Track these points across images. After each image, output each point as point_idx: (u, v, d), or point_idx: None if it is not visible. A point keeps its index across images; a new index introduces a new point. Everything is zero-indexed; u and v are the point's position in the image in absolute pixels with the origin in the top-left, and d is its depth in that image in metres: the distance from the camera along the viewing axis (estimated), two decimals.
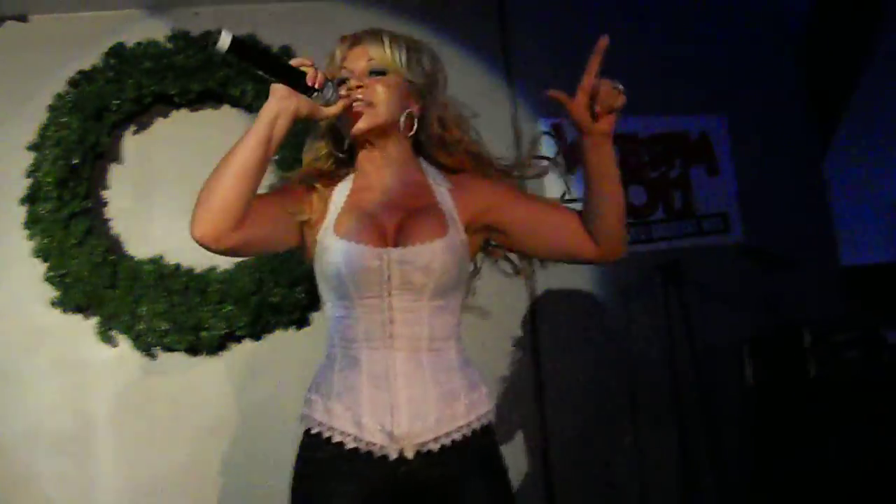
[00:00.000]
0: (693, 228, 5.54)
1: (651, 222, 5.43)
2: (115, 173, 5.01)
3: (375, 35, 2.61)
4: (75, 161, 4.80)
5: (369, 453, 2.38)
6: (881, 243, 6.73)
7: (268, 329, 4.88)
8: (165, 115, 5.09)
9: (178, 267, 4.84)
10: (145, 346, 4.79)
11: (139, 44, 4.98)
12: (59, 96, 4.87)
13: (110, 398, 4.78)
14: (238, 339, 4.84)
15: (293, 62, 2.34)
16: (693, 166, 5.65)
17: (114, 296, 4.74)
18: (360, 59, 2.56)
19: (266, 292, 4.77)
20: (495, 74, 5.42)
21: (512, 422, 5.00)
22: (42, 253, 4.75)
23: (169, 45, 4.99)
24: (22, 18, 5.02)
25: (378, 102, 2.51)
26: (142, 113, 5.05)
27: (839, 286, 5.80)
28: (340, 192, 2.58)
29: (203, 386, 4.84)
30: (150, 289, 4.76)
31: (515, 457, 4.91)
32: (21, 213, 4.78)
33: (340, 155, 2.67)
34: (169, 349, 4.81)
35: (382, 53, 2.56)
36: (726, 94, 5.75)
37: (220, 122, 5.08)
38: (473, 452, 2.49)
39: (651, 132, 5.59)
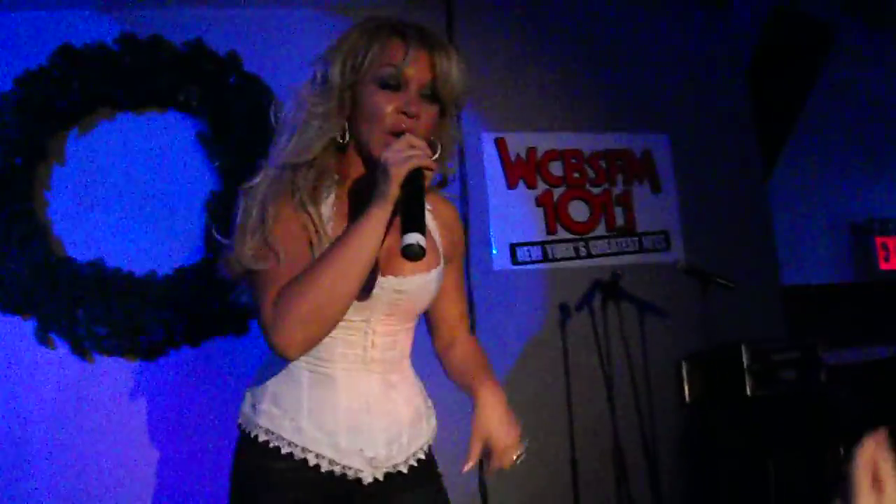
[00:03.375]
0: (634, 245, 5.61)
1: (592, 238, 5.50)
2: (58, 175, 4.99)
3: (446, 49, 2.33)
4: (18, 161, 4.81)
5: (343, 475, 2.36)
6: (822, 265, 6.83)
7: (206, 335, 4.90)
8: (111, 118, 5.08)
9: (118, 270, 4.85)
10: (83, 350, 4.79)
11: (87, 45, 4.98)
12: (4, 95, 4.86)
13: (47, 401, 4.77)
14: (177, 345, 4.84)
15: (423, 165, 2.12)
16: (636, 183, 5.72)
17: (53, 298, 4.73)
18: (424, 72, 2.28)
19: (205, 299, 4.79)
20: None
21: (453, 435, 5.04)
22: None
23: (116, 48, 5.00)
24: None
25: (418, 135, 2.22)
26: (87, 114, 5.04)
27: (779, 306, 5.89)
28: (326, 209, 2.36)
29: (141, 391, 4.84)
30: (89, 292, 4.77)
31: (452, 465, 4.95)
32: None
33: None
34: (107, 353, 4.81)
35: (448, 77, 2.29)
36: (671, 112, 5.87)
37: (166, 126, 5.09)
38: (429, 465, 2.54)
39: (595, 149, 5.68)
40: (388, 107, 2.25)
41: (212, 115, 5.01)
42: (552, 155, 5.56)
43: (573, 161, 5.60)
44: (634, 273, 5.37)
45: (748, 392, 5.15)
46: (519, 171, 5.48)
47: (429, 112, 2.29)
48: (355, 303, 2.23)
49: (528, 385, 5.23)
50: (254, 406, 2.42)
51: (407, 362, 2.55)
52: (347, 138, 2.34)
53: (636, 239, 5.63)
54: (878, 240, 7.10)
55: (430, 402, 2.61)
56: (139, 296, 4.78)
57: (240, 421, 2.46)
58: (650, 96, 5.84)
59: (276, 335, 2.11)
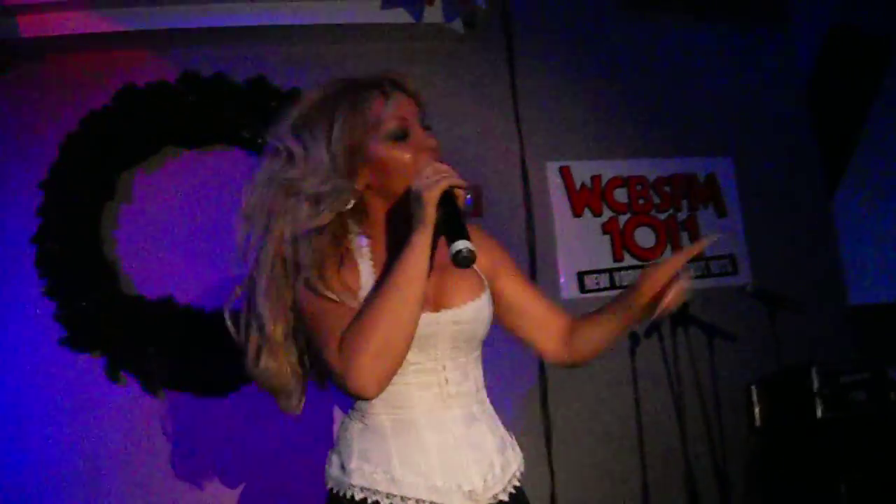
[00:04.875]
0: (701, 270, 5.59)
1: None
2: (126, 213, 5.05)
3: (405, 77, 2.47)
4: (86, 200, 4.87)
5: None
6: (889, 283, 6.76)
7: None
8: (176, 156, 5.15)
9: (188, 307, 4.90)
10: (153, 387, 4.83)
11: (149, 84, 5.03)
12: (71, 136, 4.92)
13: (118, 438, 4.82)
14: (247, 381, 4.85)
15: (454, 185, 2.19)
16: (700, 208, 5.72)
17: (123, 336, 4.79)
18: (411, 108, 2.41)
19: None
20: (504, 116, 5.49)
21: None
22: (52, 292, 4.80)
23: (179, 86, 5.05)
24: (36, 59, 5.08)
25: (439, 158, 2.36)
26: (153, 153, 5.11)
27: (847, 326, 5.85)
28: (361, 253, 2.42)
29: (211, 427, 4.88)
30: (159, 329, 4.82)
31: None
32: (33, 252, 4.83)
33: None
34: (177, 390, 4.86)
35: (422, 99, 2.45)
36: (733, 135, 5.86)
37: (231, 163, 5.13)
38: (524, 496, 2.54)
39: (659, 174, 5.69)
40: (407, 155, 2.33)
41: None
42: (617, 182, 5.57)
43: (638, 187, 5.61)
44: (702, 298, 5.33)
45: (818, 415, 5.11)
46: (584, 198, 5.49)
47: (435, 139, 2.41)
48: (420, 344, 2.29)
49: (599, 412, 5.25)
50: (342, 467, 2.43)
51: (483, 393, 2.55)
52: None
53: (703, 263, 5.61)
54: None
55: (510, 432, 2.61)
56: (209, 332, 4.79)
57: (329, 485, 2.47)
58: (712, 120, 5.85)
59: (350, 379, 2.14)
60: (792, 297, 5.07)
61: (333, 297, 2.23)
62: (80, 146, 4.91)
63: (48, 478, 4.71)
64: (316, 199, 2.29)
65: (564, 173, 5.40)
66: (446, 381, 2.41)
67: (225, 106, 5.04)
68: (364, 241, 2.44)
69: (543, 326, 2.68)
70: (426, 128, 2.41)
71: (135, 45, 5.15)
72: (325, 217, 2.28)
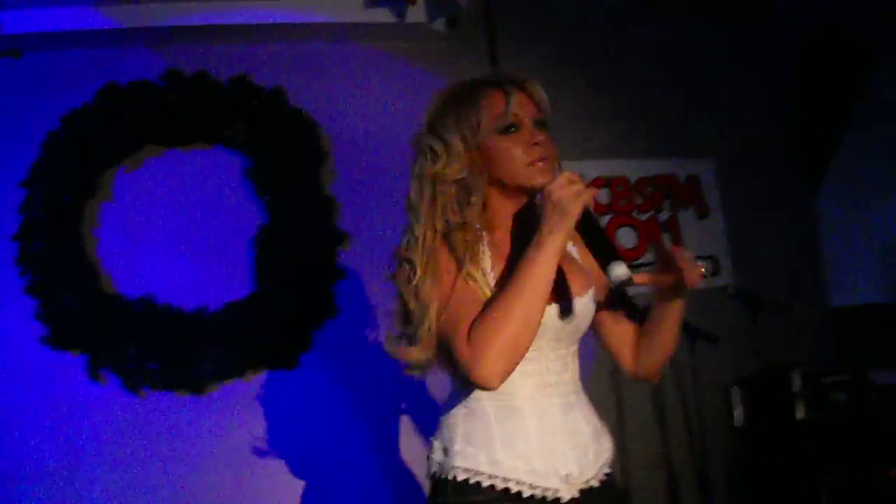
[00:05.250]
0: None
1: (640, 265, 5.47)
2: (107, 212, 5.02)
3: (536, 84, 2.54)
4: (67, 199, 4.85)
5: (543, 498, 2.45)
6: (871, 284, 6.78)
7: (257, 369, 4.94)
8: (158, 155, 5.11)
9: (168, 306, 4.88)
10: (134, 385, 4.81)
11: (132, 82, 5.02)
12: (52, 134, 4.90)
13: (99, 436, 4.80)
14: (227, 379, 4.88)
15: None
16: (682, 209, 5.74)
17: (103, 334, 4.77)
18: (529, 107, 2.48)
19: (255, 333, 4.85)
20: None
21: None
22: (33, 290, 4.78)
23: (162, 85, 5.04)
24: (15, 55, 5.05)
25: (553, 157, 2.46)
26: (134, 152, 5.07)
27: (828, 328, 5.87)
28: (486, 260, 2.50)
29: (192, 425, 4.86)
30: (140, 328, 4.81)
31: None
32: (14, 250, 4.80)
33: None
34: (158, 388, 4.84)
35: (546, 105, 2.52)
36: (715, 136, 5.88)
37: (213, 162, 5.13)
38: (615, 485, 2.68)
39: (640, 175, 5.70)
40: (517, 148, 2.42)
41: (258, 149, 5.06)
42: (598, 182, 5.56)
43: (619, 188, 5.62)
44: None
45: (799, 416, 5.14)
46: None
47: (547, 137, 2.46)
48: None
49: None
50: (445, 450, 2.54)
51: (579, 384, 2.65)
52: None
53: None
54: None
55: (603, 421, 2.70)
56: (189, 331, 4.81)
57: (433, 471, 2.58)
58: (694, 121, 5.88)
59: (478, 370, 2.22)
60: (773, 298, 5.08)
61: (472, 288, 2.39)
62: (62, 144, 4.89)
63: (28, 476, 4.69)
64: (464, 187, 2.47)
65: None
66: (547, 370, 2.52)
67: (207, 104, 5.03)
68: (488, 254, 2.52)
69: (626, 341, 2.76)
70: (541, 127, 2.47)
71: (117, 42, 5.12)
72: (475, 206, 2.47)
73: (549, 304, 2.41)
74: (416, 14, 5.22)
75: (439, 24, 5.36)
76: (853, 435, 5.29)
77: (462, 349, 2.25)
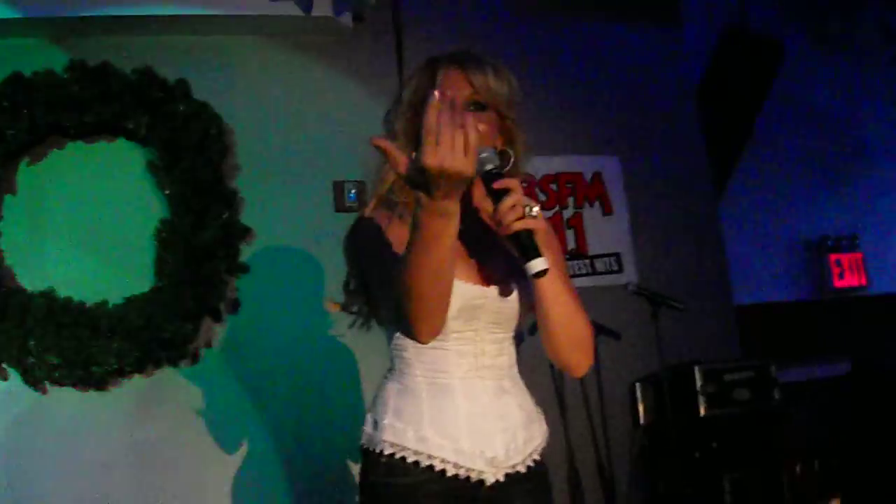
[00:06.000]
0: (586, 268, 5.65)
1: None
2: (9, 204, 4.96)
3: (478, 62, 2.51)
4: None
5: (467, 478, 2.46)
6: (777, 283, 6.88)
7: (158, 364, 4.89)
8: (61, 147, 5.06)
9: (69, 300, 4.82)
10: (35, 380, 4.76)
11: (36, 73, 4.95)
12: None
13: (1, 432, 4.75)
14: (128, 375, 4.84)
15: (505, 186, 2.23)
16: (587, 206, 5.78)
17: (3, 328, 4.71)
18: (461, 87, 2.46)
19: (156, 328, 4.79)
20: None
21: None
22: None
23: (66, 76, 4.98)
24: None
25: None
26: (37, 143, 5.01)
27: (733, 326, 5.93)
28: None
29: (93, 421, 4.82)
30: (40, 322, 4.74)
31: None
32: None
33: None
34: (59, 383, 4.79)
35: (486, 85, 2.48)
36: (621, 134, 5.95)
37: (115, 155, 5.09)
38: (544, 472, 2.67)
39: (545, 172, 5.75)
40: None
41: (161, 142, 4.99)
42: None
43: (524, 185, 5.53)
44: (587, 295, 5.20)
45: (702, 413, 5.20)
46: None
47: (478, 117, 2.39)
48: (465, 315, 2.44)
49: None
50: (376, 423, 2.55)
51: (515, 369, 2.66)
52: None
53: (588, 261, 5.68)
54: (833, 257, 7.17)
55: (539, 409, 2.71)
56: (90, 325, 4.75)
57: (362, 442, 2.59)
58: (600, 118, 5.93)
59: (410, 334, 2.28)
60: (675, 295, 5.11)
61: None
62: None
63: None
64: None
65: None
66: (483, 352, 2.52)
67: (111, 96, 4.96)
68: None
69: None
70: (476, 108, 2.45)
71: (21, 32, 5.07)
72: (386, 181, 2.54)
73: (489, 285, 2.47)
74: (322, 7, 5.21)
75: (346, 19, 5.35)
76: (756, 431, 5.36)
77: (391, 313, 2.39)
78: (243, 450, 4.89)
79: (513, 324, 2.59)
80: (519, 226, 2.19)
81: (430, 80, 2.48)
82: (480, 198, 2.57)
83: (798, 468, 5.63)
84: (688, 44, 6.37)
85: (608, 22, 6.09)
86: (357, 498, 2.59)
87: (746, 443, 5.31)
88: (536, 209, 2.26)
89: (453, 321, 2.41)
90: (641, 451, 5.53)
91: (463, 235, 2.27)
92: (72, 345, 4.73)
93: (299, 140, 5.23)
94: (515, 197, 2.22)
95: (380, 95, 5.36)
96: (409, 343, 2.52)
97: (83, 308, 4.83)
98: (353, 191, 5.19)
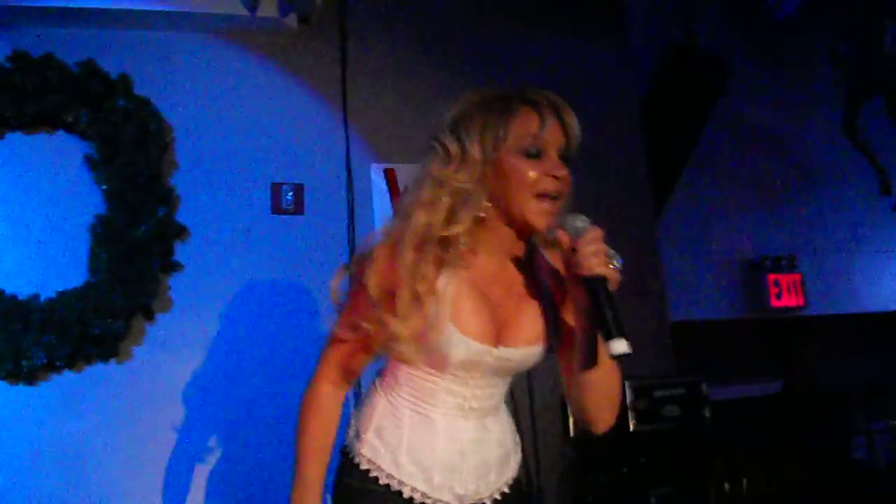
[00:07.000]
0: None
1: None
2: None
3: (570, 112, 2.52)
4: None
5: None
6: (716, 302, 6.94)
7: (88, 360, 4.84)
8: (0, 137, 5.01)
9: (1, 292, 4.77)
10: None
11: None
12: None
13: None
14: (58, 370, 4.79)
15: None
16: None
17: None
18: (559, 137, 2.47)
19: (87, 323, 4.75)
20: (332, 116, 5.46)
21: None
22: None
23: (7, 66, 4.93)
24: None
25: (563, 197, 2.48)
26: None
27: (668, 342, 5.96)
28: (444, 277, 2.45)
29: (22, 415, 4.78)
30: None
31: None
32: None
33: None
34: None
35: (577, 140, 2.51)
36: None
37: (54, 147, 5.04)
38: (513, 494, 2.72)
39: None
40: (533, 173, 2.38)
41: (100, 137, 4.96)
42: None
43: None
44: None
45: (631, 428, 5.22)
46: None
47: (568, 173, 2.46)
48: (465, 365, 2.48)
49: None
50: (357, 433, 2.64)
51: (502, 406, 2.74)
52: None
53: None
54: (771, 277, 7.25)
55: (517, 438, 2.77)
56: (21, 319, 4.71)
57: (344, 444, 2.68)
58: None
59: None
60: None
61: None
62: None
63: None
64: (462, 200, 2.40)
65: (389, 175, 5.38)
66: (472, 395, 2.56)
67: (52, 88, 4.93)
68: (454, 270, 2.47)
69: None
70: (565, 160, 2.47)
71: None
72: (464, 223, 2.42)
73: (498, 346, 2.46)
74: (267, 7, 5.21)
75: (291, 20, 5.36)
76: (685, 448, 5.40)
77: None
78: (171, 448, 4.87)
79: (511, 375, 2.65)
80: (600, 271, 2.24)
81: (505, 118, 2.44)
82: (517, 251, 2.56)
83: (726, 486, 5.68)
84: (634, 60, 6.39)
85: (552, 33, 6.08)
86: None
87: (675, 460, 5.35)
88: (619, 261, 2.32)
89: (451, 368, 2.48)
90: (571, 465, 5.54)
91: (490, 287, 2.43)
92: (2, 338, 4.69)
93: (239, 140, 5.20)
94: (600, 244, 2.29)
95: (321, 99, 5.38)
96: (403, 365, 2.57)
97: (15, 301, 4.77)
98: (290, 193, 5.17)
